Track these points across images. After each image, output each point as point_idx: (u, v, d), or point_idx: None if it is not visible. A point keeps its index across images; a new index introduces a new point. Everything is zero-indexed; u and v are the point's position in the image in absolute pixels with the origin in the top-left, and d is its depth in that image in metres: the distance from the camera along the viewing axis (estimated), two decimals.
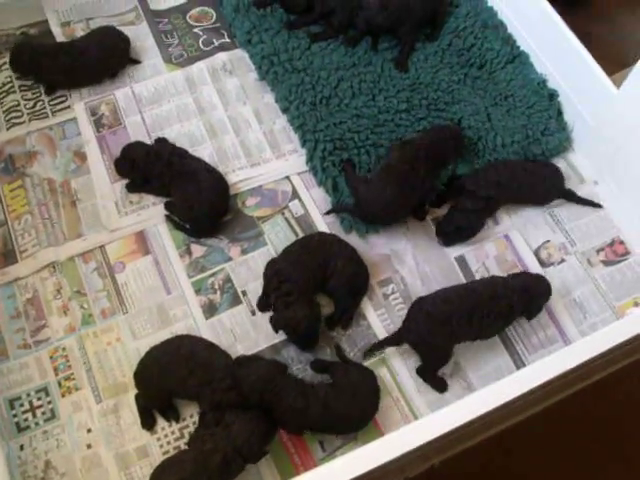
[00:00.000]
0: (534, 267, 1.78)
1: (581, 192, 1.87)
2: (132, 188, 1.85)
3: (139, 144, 1.85)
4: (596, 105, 1.82)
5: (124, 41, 2.04)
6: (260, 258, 1.77)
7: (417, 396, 1.62)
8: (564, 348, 1.43)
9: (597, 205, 1.86)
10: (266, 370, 1.50)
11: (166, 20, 2.17)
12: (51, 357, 1.65)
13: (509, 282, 1.63)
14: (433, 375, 1.62)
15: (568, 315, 1.73)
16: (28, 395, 1.60)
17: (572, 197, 1.86)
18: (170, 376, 1.53)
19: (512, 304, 1.59)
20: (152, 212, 1.83)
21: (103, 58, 2.00)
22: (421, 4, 2.02)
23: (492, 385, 1.32)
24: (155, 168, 1.79)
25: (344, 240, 1.74)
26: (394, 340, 1.62)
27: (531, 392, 1.31)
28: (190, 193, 1.76)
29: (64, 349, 1.66)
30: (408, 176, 1.70)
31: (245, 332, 1.68)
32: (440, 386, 1.62)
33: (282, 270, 1.63)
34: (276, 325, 1.63)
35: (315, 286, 1.66)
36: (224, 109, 2.00)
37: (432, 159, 1.76)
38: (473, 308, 1.56)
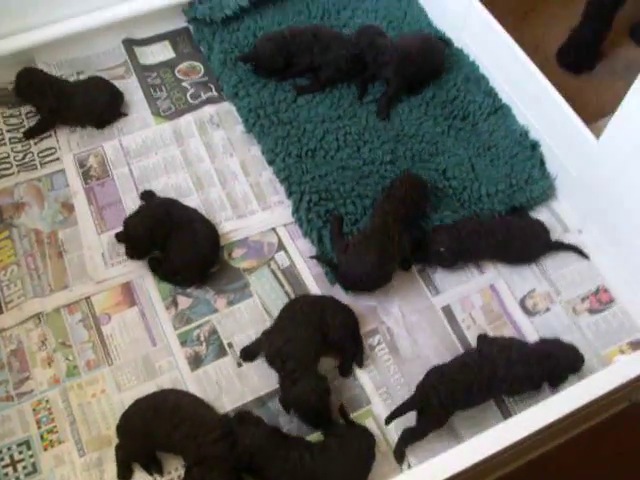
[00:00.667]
0: (519, 317, 1.79)
1: (566, 240, 1.89)
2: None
3: (137, 225, 1.79)
4: (577, 155, 1.85)
5: (115, 95, 2.08)
6: (246, 310, 1.78)
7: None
8: (552, 397, 1.42)
9: (584, 255, 1.88)
10: (261, 438, 1.49)
11: (155, 74, 2.21)
12: (34, 410, 1.63)
13: (527, 347, 1.64)
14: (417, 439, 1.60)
15: None
16: (9, 449, 1.58)
17: (560, 247, 1.88)
18: (154, 430, 1.51)
19: (531, 371, 1.59)
20: (139, 263, 1.83)
21: (87, 106, 2.03)
22: (422, 61, 2.08)
23: (480, 435, 1.31)
24: (160, 234, 1.78)
25: (320, 295, 1.77)
26: (411, 405, 1.58)
27: (522, 441, 1.30)
28: (186, 243, 1.77)
29: (47, 401, 1.64)
30: (383, 245, 1.71)
31: (231, 384, 1.67)
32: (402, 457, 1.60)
33: (282, 349, 1.61)
34: (285, 404, 1.60)
35: (317, 352, 1.66)
36: (211, 161, 2.02)
37: (402, 219, 1.77)
38: (490, 377, 1.57)
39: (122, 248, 1.84)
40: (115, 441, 1.57)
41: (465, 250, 1.81)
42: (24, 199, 1.93)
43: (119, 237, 1.82)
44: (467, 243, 1.80)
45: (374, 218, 1.78)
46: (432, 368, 1.60)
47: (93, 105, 2.04)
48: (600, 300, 1.82)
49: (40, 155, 2.02)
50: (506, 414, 1.64)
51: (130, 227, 1.78)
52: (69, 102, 2.02)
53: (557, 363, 1.62)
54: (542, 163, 1.99)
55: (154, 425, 1.51)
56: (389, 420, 1.58)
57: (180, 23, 2.31)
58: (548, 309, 1.81)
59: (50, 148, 2.04)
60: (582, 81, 2.27)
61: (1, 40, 2.07)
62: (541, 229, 1.87)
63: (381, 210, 1.78)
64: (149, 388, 1.63)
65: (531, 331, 1.76)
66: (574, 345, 1.67)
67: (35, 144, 2.04)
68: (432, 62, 2.12)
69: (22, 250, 1.85)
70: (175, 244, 1.77)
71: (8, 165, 1.99)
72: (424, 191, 1.84)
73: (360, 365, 1.71)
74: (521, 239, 1.84)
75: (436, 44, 2.14)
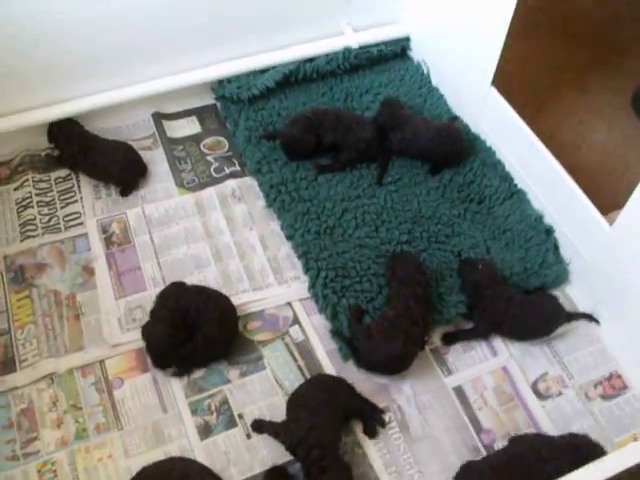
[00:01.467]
0: (531, 400, 1.78)
1: (578, 324, 1.90)
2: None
3: (159, 337, 1.74)
4: (590, 241, 1.88)
5: (136, 163, 2.16)
6: (258, 382, 1.77)
7: None
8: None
9: (595, 320, 1.89)
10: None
11: (181, 147, 2.28)
12: (39, 471, 1.62)
13: (555, 441, 1.62)
14: None
15: None
16: None
17: (574, 317, 1.89)
18: None
19: (560, 466, 1.54)
20: None
21: (106, 165, 2.10)
22: (440, 139, 2.15)
23: None
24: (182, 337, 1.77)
25: (313, 376, 1.77)
26: None
27: None
28: (211, 329, 1.76)
29: (53, 463, 1.63)
30: (408, 331, 1.73)
31: (239, 455, 1.66)
32: None
33: (305, 439, 1.58)
34: None
35: (339, 434, 1.65)
36: (231, 234, 2.06)
37: (423, 300, 1.80)
38: (521, 475, 1.56)
39: (138, 314, 1.87)
40: None
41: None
42: (46, 260, 1.97)
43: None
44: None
45: (394, 303, 1.79)
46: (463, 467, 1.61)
47: (112, 166, 2.10)
48: (613, 386, 1.81)
49: (65, 219, 2.07)
50: None
51: (153, 341, 1.75)
52: (92, 155, 2.10)
53: (584, 456, 1.56)
54: (556, 248, 2.01)
55: None
56: None
57: (208, 100, 2.40)
58: (560, 393, 1.80)
59: (75, 212, 2.09)
60: (596, 171, 2.32)
61: (39, 109, 2.15)
62: (556, 302, 1.87)
63: (401, 296, 1.79)
64: (157, 455, 1.62)
65: (542, 415, 1.75)
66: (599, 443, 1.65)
67: (61, 208, 2.09)
68: (451, 144, 2.17)
69: (40, 310, 1.87)
70: (200, 333, 1.76)
71: (34, 227, 2.04)
72: (420, 263, 1.88)
73: (383, 425, 1.71)
74: (538, 311, 1.85)
75: (456, 130, 2.21)
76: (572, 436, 1.64)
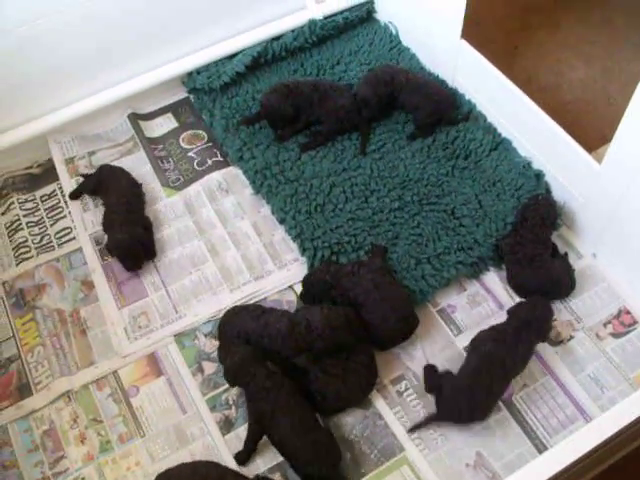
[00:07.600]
0: (543, 348, 1.78)
1: (580, 266, 1.90)
2: None
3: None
4: (581, 181, 1.86)
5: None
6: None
7: None
8: (586, 425, 1.41)
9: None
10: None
11: (161, 146, 2.26)
12: None
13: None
14: None
15: (585, 392, 1.71)
16: None
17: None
18: None
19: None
20: (161, 334, 1.86)
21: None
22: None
23: (517, 472, 1.30)
24: None
25: None
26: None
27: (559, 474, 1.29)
28: None
29: (83, 479, 1.65)
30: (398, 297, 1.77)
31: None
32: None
33: None
34: None
35: None
36: (223, 227, 2.05)
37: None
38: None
39: (143, 321, 1.88)
40: None
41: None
42: (45, 280, 1.97)
43: None
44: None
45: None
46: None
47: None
48: (623, 323, 1.82)
49: (57, 236, 2.07)
50: (541, 448, 1.63)
51: None
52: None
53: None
54: (548, 192, 2.00)
55: None
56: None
57: (181, 94, 2.39)
58: (571, 337, 1.80)
59: (66, 228, 2.09)
60: (580, 108, 2.29)
61: (16, 129, 2.16)
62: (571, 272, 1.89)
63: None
64: (183, 456, 1.65)
65: (556, 361, 1.76)
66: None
67: (51, 226, 2.09)
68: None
69: (46, 331, 1.88)
70: None
71: (27, 249, 2.04)
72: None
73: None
74: (551, 279, 1.85)
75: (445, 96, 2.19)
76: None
